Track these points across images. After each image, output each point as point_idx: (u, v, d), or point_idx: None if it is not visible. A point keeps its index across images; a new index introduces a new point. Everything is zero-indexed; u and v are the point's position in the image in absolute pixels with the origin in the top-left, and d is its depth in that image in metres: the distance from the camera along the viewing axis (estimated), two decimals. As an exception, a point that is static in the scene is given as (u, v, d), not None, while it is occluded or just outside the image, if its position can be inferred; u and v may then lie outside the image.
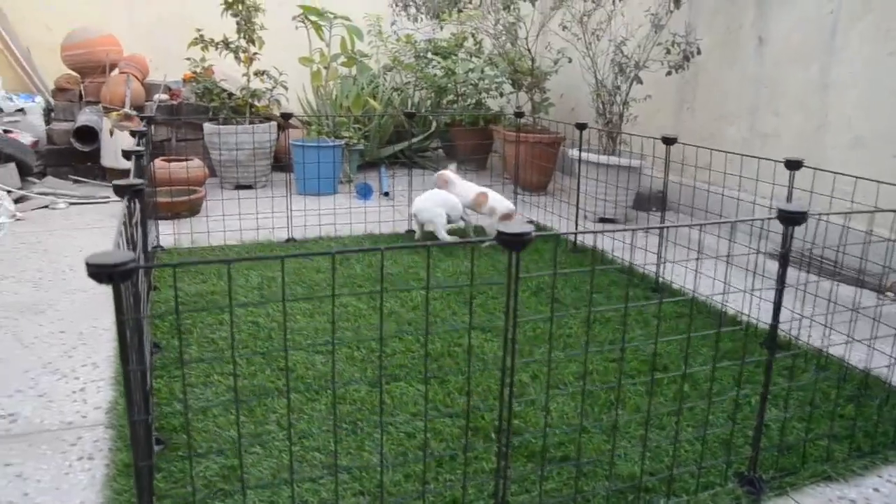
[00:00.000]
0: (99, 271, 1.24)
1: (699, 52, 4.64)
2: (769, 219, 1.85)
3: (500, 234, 1.52)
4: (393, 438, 2.25)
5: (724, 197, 3.84)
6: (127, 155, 3.19)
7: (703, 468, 2.10)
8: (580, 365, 2.77)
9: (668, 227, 3.06)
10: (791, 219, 1.79)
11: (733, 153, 3.54)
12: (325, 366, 2.72)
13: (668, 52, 4.72)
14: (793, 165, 2.81)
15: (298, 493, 1.96)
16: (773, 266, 3.67)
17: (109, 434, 2.29)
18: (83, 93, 6.41)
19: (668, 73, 4.73)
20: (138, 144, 3.29)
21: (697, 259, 3.66)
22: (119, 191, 2.20)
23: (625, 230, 3.80)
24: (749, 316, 3.17)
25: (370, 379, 2.61)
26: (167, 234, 4.40)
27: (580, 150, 4.45)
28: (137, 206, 2.45)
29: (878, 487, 2.11)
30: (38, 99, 6.41)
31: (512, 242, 1.53)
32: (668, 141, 3.42)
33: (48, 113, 6.37)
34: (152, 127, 5.93)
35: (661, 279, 3.69)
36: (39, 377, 2.66)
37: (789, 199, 2.90)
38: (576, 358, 2.82)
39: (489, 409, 2.43)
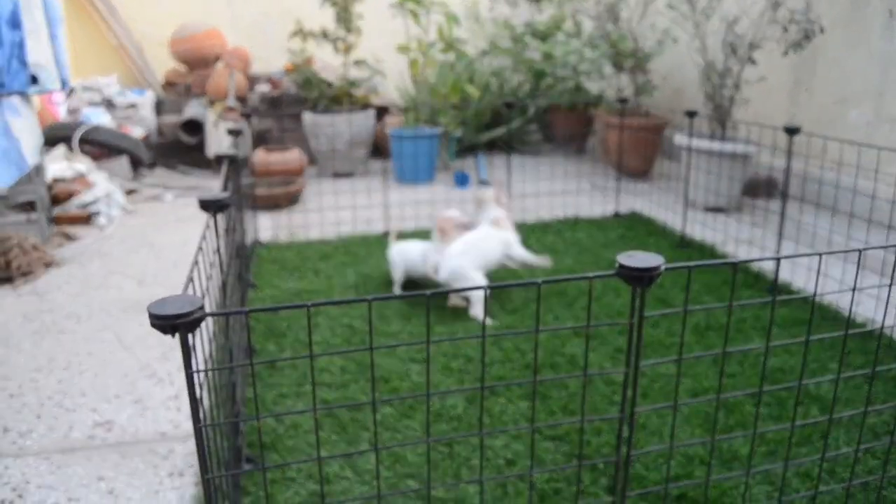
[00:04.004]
0: (162, 323, 1.14)
1: (822, 31, 4.22)
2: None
3: (622, 267, 1.30)
4: (491, 465, 2.10)
5: (855, 189, 3.47)
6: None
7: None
8: (694, 380, 2.54)
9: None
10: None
11: (867, 145, 3.18)
12: (420, 376, 2.60)
13: (786, 29, 4.32)
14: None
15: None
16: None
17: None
18: (190, 86, 6.54)
19: (785, 53, 4.33)
20: (237, 136, 3.28)
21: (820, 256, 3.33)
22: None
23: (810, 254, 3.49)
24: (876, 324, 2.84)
25: (468, 394, 2.46)
26: (267, 227, 4.39)
27: (690, 138, 4.14)
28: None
29: None
30: (149, 93, 6.57)
31: (636, 278, 1.28)
32: (791, 131, 3.10)
33: (158, 106, 6.52)
34: (252, 119, 6.03)
35: (778, 279, 3.39)
36: (137, 381, 2.66)
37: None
38: (688, 372, 2.59)
39: (596, 433, 2.25)
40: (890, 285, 1.60)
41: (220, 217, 2.09)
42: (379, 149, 6.23)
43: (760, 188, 4.80)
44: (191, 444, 2.26)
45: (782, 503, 1.91)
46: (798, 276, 3.43)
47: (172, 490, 2.04)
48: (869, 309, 2.99)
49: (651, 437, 2.24)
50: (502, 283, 3.21)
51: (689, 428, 2.28)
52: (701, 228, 4.13)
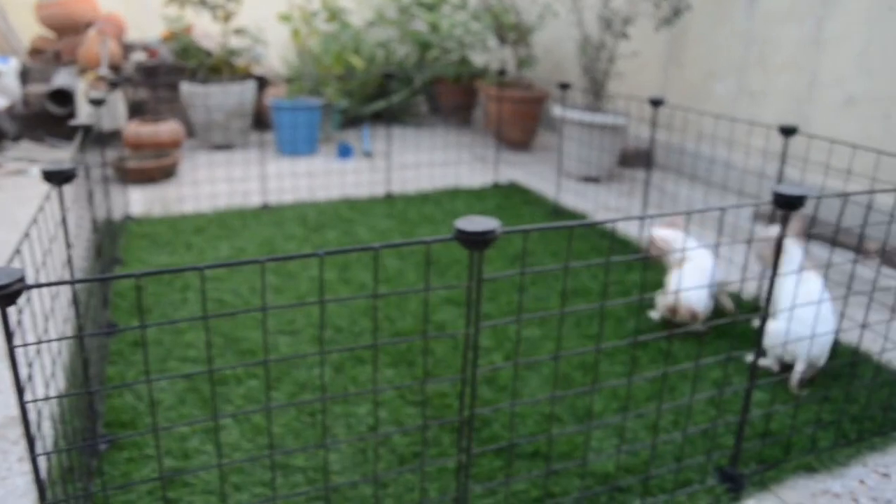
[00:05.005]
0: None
1: (689, 7, 4.40)
2: (764, 203, 1.69)
3: (459, 232, 1.33)
4: (354, 431, 2.13)
5: (712, 159, 3.66)
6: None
7: (683, 465, 1.97)
8: (555, 343, 2.63)
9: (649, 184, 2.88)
10: (789, 203, 1.60)
11: (723, 117, 3.36)
12: (290, 348, 2.59)
13: (657, 6, 4.48)
14: (787, 131, 2.63)
15: (248, 500, 1.84)
16: (759, 228, 3.57)
17: (54, 431, 2.16)
18: (59, 53, 6.19)
19: (657, 29, 4.50)
20: (99, 106, 3.13)
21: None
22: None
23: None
24: (739, 283, 3.03)
25: (335, 363, 2.47)
26: (139, 201, 4.24)
27: (563, 109, 4.25)
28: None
29: (864, 479, 1.99)
30: (13, 60, 6.17)
31: (472, 242, 1.32)
32: (656, 103, 3.24)
33: (23, 75, 6.14)
34: (128, 89, 5.77)
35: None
36: (-11, 364, 2.53)
37: (783, 168, 2.73)
38: (551, 335, 2.68)
39: (458, 396, 2.30)
40: (718, 244, 1.70)
41: (68, 189, 2.01)
42: (262, 120, 6.10)
43: (635, 158, 4.98)
44: (44, 428, 2.18)
45: (623, 452, 2.02)
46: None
47: (21, 476, 1.97)
48: (722, 271, 3.17)
49: (510, 397, 2.31)
50: (339, 248, 3.21)
51: (549, 388, 2.37)
52: (574, 197, 4.26)
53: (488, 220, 1.34)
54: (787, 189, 1.59)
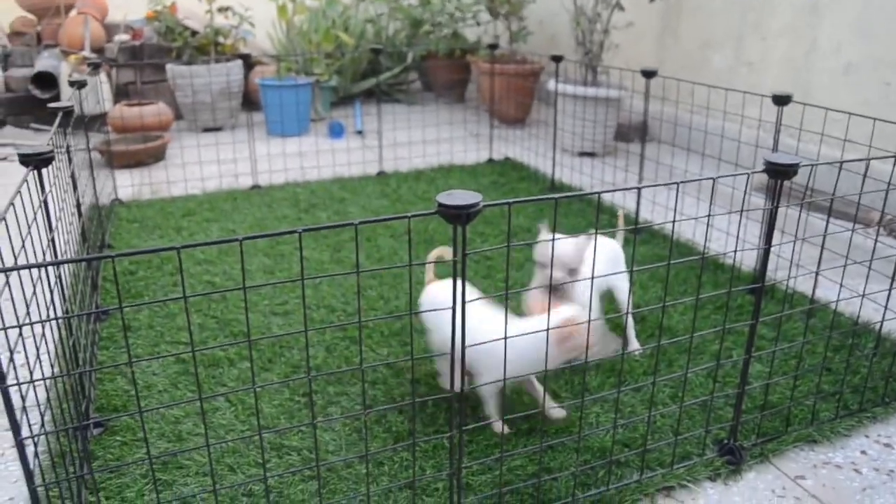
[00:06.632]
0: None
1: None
2: (756, 172, 1.65)
3: (441, 206, 1.30)
4: (348, 411, 2.10)
5: (706, 130, 3.61)
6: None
7: (681, 439, 1.94)
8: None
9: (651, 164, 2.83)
10: (780, 172, 1.57)
11: (717, 87, 3.31)
12: (282, 329, 2.56)
13: (653, -26, 4.42)
14: (781, 100, 2.58)
15: (242, 480, 1.82)
16: (758, 200, 3.54)
17: (49, 416, 2.13)
18: (40, 36, 6.09)
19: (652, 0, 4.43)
20: (80, 88, 3.06)
21: (679, 186, 3.46)
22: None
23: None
24: (734, 254, 2.99)
25: (327, 344, 2.44)
26: (128, 185, 4.17)
27: (557, 82, 4.19)
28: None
29: (866, 449, 1.97)
30: (-7, 44, 6.08)
31: (455, 216, 1.28)
32: (648, 74, 3.19)
33: (5, 59, 6.04)
34: (115, 71, 5.69)
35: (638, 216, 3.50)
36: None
37: (777, 137, 2.68)
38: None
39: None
40: (710, 214, 1.67)
41: (49, 173, 1.96)
42: (251, 100, 6.02)
43: (632, 132, 4.93)
44: (36, 415, 2.14)
45: (620, 427, 2.00)
46: (658, 215, 3.56)
47: (15, 461, 1.95)
48: (720, 239, 3.14)
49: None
50: (319, 224, 3.19)
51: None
52: (570, 173, 4.21)
53: (471, 194, 1.30)
54: (779, 157, 1.55)
